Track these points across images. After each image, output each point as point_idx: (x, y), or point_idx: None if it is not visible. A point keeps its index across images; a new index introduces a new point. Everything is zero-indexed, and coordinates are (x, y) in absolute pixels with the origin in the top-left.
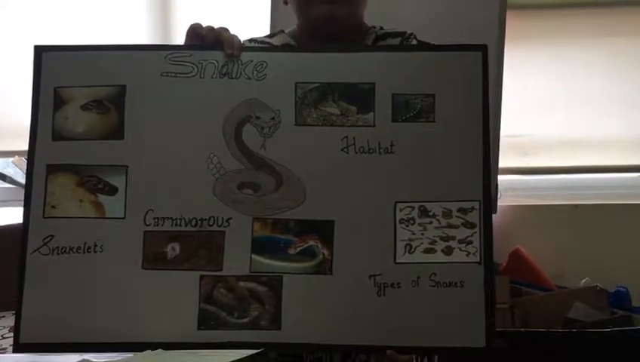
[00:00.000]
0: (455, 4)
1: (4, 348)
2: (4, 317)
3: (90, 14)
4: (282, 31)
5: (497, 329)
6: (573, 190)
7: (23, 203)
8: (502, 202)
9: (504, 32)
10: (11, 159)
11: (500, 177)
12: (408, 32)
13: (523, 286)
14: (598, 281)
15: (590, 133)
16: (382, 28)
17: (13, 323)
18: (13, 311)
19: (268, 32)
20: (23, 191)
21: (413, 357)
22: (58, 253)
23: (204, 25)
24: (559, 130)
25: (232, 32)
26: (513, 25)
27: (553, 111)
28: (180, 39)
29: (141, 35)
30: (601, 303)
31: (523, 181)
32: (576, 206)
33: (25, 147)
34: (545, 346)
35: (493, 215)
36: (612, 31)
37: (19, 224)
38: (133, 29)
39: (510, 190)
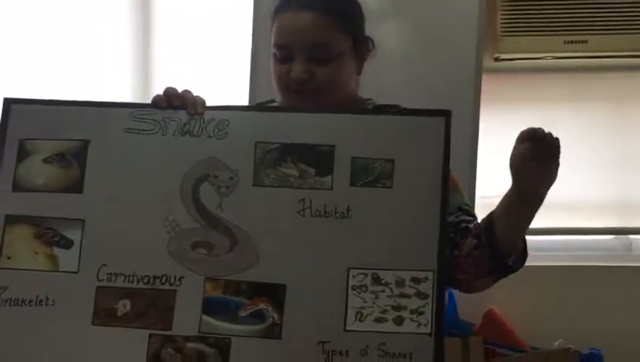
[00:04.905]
0: (430, 68)
1: None
2: None
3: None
4: (273, 101)
5: None
6: (547, 251)
7: None
8: None
9: (479, 95)
10: None
11: None
12: (402, 106)
13: (497, 347)
14: (572, 343)
15: (565, 195)
16: (376, 102)
17: None
18: None
19: (247, 97)
20: None
21: None
22: (10, 305)
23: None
24: None
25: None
26: (489, 88)
27: None
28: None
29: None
30: None
31: None
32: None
33: None
34: None
35: None
36: (585, 95)
37: None
38: (113, 87)
39: None
